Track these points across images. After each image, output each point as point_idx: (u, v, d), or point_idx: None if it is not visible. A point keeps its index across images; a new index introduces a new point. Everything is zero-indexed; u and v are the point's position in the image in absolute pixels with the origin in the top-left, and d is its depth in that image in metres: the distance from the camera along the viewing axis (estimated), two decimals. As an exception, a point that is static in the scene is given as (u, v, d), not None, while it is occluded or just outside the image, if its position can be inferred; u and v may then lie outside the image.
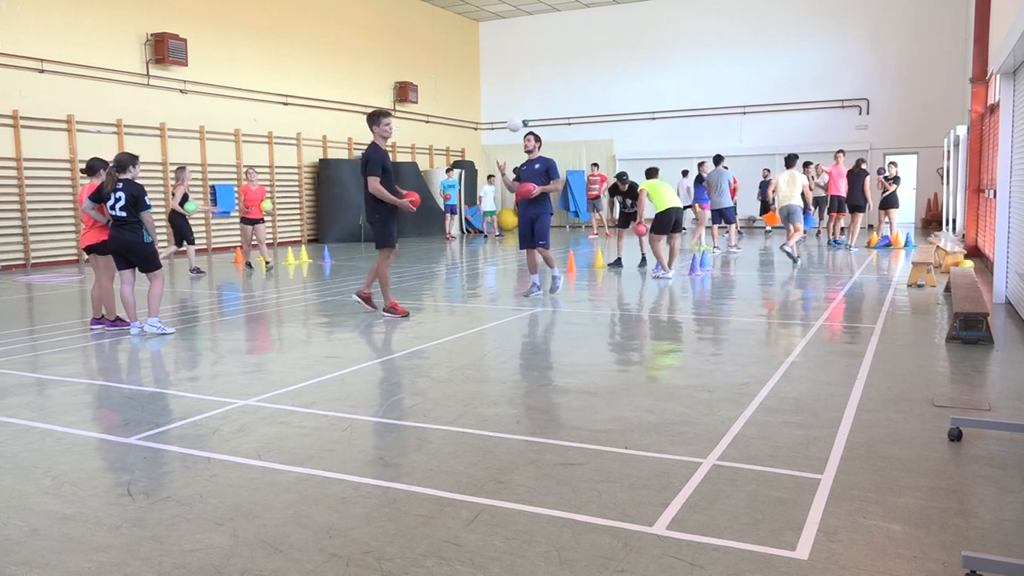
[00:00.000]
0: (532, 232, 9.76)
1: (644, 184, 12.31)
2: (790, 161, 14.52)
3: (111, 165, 7.70)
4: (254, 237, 14.52)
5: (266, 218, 14.24)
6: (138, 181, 7.74)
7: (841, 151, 17.90)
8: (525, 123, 10.43)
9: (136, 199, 7.57)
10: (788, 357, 6.17)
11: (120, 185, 7.56)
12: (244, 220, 14.48)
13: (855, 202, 16.98)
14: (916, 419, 4.47)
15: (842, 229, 18.07)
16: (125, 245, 7.65)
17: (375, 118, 8.12)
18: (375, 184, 8.02)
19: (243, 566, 2.83)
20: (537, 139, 9.85)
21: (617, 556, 2.85)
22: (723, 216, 16.11)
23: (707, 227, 16.93)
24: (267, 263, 13.98)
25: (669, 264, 11.96)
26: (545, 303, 9.40)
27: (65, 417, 4.84)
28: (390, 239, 8.33)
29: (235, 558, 2.89)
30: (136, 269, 7.83)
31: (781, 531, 3.03)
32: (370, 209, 8.27)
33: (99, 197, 7.70)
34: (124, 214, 7.56)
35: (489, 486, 3.54)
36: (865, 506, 3.26)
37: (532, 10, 27.71)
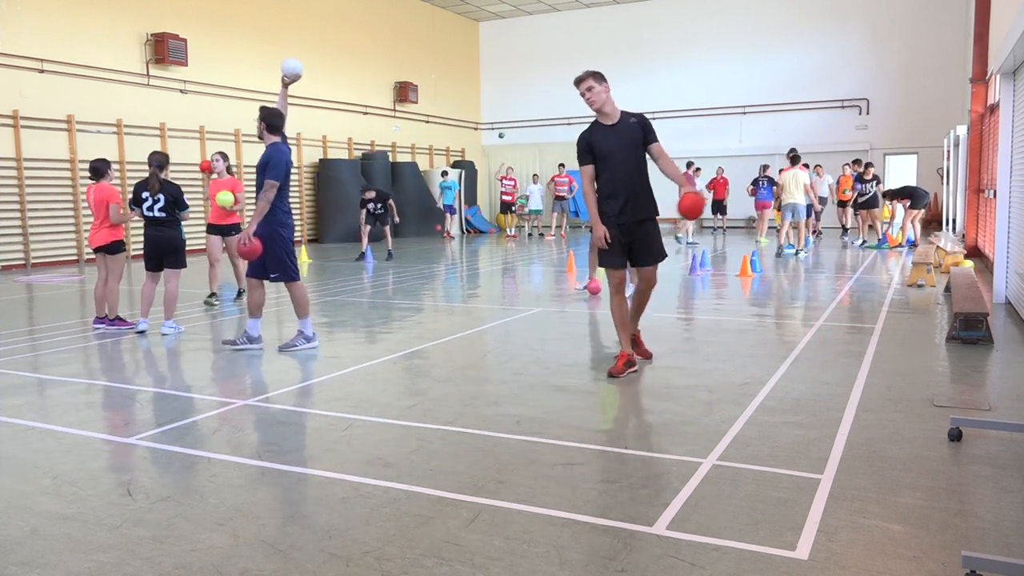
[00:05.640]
0: (262, 262, 6.66)
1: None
2: (794, 161, 15.23)
3: (154, 165, 7.73)
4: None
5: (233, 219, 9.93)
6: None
7: (863, 161, 18.35)
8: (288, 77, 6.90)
9: (176, 199, 7.71)
10: (788, 357, 6.17)
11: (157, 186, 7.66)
12: (211, 228, 9.86)
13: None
14: (916, 419, 4.47)
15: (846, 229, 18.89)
16: (167, 242, 7.77)
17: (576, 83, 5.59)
18: (583, 181, 5.67)
19: (243, 566, 2.83)
20: (264, 121, 6.64)
21: (617, 556, 2.85)
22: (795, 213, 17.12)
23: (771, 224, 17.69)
24: (212, 294, 9.74)
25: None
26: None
27: (65, 417, 4.84)
28: (603, 256, 5.65)
29: (235, 558, 2.89)
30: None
31: (781, 531, 3.03)
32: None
33: (138, 199, 7.74)
34: (164, 214, 7.69)
35: (489, 486, 3.54)
36: (865, 506, 3.26)
37: (532, 10, 27.71)
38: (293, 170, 20.67)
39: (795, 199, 14.78)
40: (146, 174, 7.90)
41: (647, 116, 5.73)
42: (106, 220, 7.91)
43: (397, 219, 15.85)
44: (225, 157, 9.83)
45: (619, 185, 5.52)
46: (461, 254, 17.71)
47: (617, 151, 5.49)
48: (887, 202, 16.84)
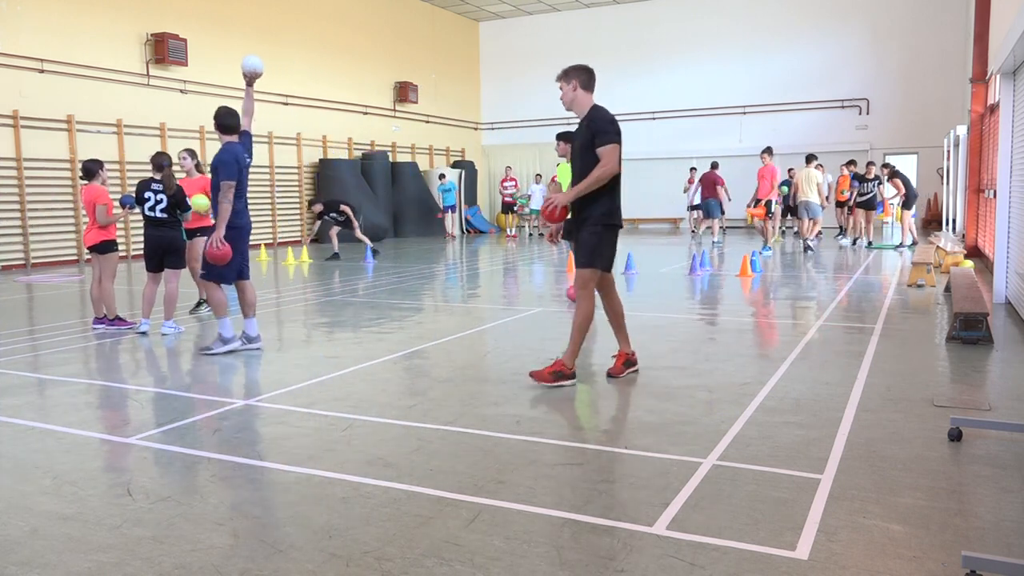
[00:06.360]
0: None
1: None
2: (808, 160, 16.12)
3: (166, 165, 7.75)
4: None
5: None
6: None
7: (867, 160, 18.39)
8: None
9: (177, 201, 7.76)
10: (788, 357, 6.17)
11: (160, 187, 7.68)
12: (185, 233, 8.87)
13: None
14: (916, 419, 4.47)
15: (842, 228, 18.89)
16: (168, 242, 7.81)
17: None
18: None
19: (243, 566, 2.83)
20: (218, 124, 6.55)
21: (617, 556, 2.85)
22: (799, 210, 17.31)
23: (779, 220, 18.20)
24: (200, 301, 9.27)
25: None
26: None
27: (65, 417, 4.84)
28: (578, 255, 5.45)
29: (235, 558, 2.89)
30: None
31: (781, 531, 3.03)
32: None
33: (140, 199, 7.76)
34: (165, 215, 7.74)
35: (489, 486, 3.54)
36: (865, 506, 3.26)
37: (532, 10, 27.71)
38: (293, 170, 20.89)
39: (809, 197, 15.51)
40: (145, 174, 7.93)
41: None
42: (95, 220, 7.94)
43: (358, 221, 15.97)
44: (193, 154, 9.02)
45: (570, 186, 5.40)
46: (461, 254, 17.71)
47: (575, 151, 5.36)
48: (884, 176, 16.80)
